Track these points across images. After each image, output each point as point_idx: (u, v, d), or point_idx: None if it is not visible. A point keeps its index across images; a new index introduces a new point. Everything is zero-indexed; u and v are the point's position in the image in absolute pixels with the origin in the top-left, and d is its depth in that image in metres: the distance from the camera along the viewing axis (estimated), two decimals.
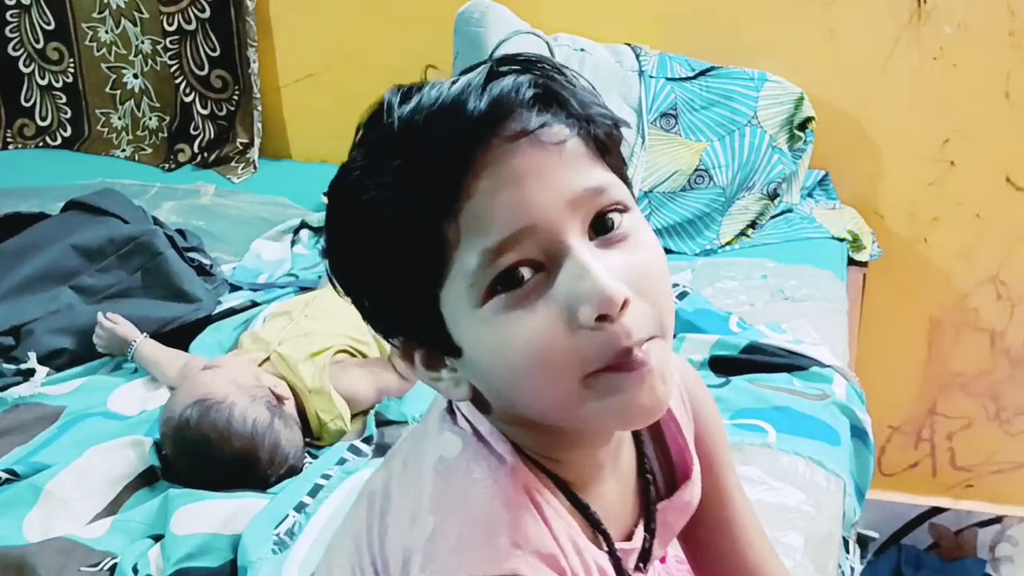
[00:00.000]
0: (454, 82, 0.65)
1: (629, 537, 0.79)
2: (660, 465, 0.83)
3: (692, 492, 0.84)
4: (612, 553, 0.76)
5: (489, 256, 0.63)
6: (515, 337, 0.64)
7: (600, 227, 0.65)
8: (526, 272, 0.64)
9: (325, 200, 0.71)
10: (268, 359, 1.61)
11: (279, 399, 1.50)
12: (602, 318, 0.62)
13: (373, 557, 0.74)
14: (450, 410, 0.75)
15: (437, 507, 0.69)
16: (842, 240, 2.05)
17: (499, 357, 0.65)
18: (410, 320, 0.69)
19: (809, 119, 2.07)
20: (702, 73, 2.10)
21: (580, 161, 0.65)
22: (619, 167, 0.69)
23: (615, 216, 0.66)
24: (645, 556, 0.81)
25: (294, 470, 1.45)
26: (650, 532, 0.81)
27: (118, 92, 2.60)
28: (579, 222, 0.64)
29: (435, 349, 0.70)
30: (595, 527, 0.74)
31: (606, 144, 0.68)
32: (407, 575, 0.69)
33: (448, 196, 0.63)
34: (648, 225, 0.69)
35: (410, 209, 0.64)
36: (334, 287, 0.71)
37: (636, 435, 0.81)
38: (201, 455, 1.40)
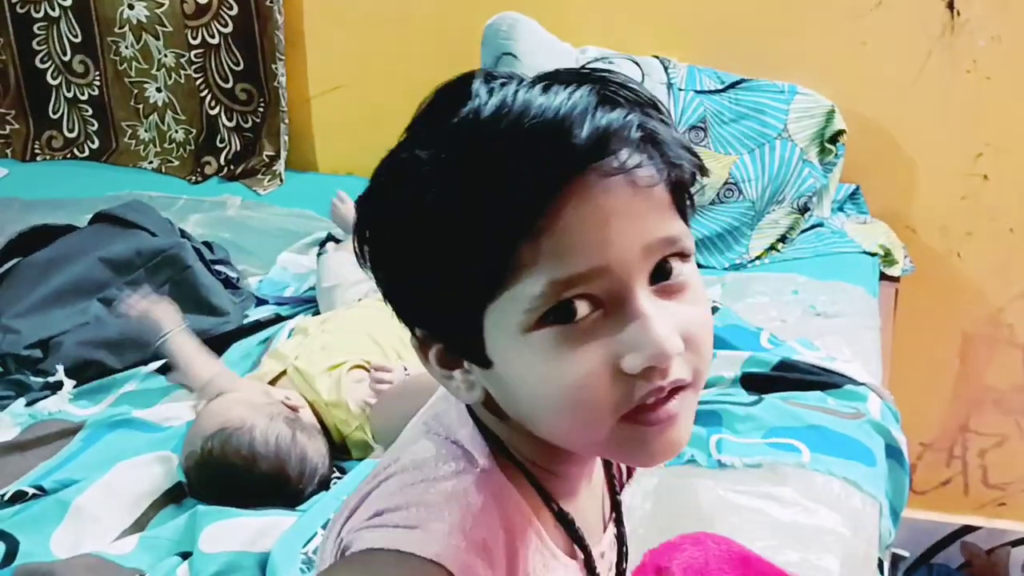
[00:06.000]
0: (547, 86, 0.63)
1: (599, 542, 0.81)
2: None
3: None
4: (588, 563, 0.76)
5: (556, 288, 0.62)
6: (560, 375, 0.63)
7: (659, 273, 0.65)
8: (582, 307, 0.63)
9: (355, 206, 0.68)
10: (284, 373, 1.61)
11: (293, 409, 1.49)
12: (649, 370, 0.63)
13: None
14: (430, 418, 0.75)
15: (394, 497, 0.69)
16: (874, 255, 2.02)
17: (537, 388, 0.65)
18: (444, 321, 0.67)
19: (840, 132, 2.05)
20: (731, 86, 2.08)
21: (663, 208, 0.64)
22: (687, 213, 0.68)
23: (676, 263, 0.65)
24: (621, 563, 0.82)
25: (326, 480, 1.44)
26: (620, 538, 0.83)
27: (141, 106, 2.61)
28: (647, 268, 0.64)
29: (459, 352, 0.69)
30: (576, 540, 0.75)
31: (687, 192, 0.67)
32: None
33: (533, 218, 0.61)
34: (699, 276, 0.68)
35: (488, 222, 0.61)
36: (358, 259, 0.68)
37: None
38: (230, 484, 1.39)
